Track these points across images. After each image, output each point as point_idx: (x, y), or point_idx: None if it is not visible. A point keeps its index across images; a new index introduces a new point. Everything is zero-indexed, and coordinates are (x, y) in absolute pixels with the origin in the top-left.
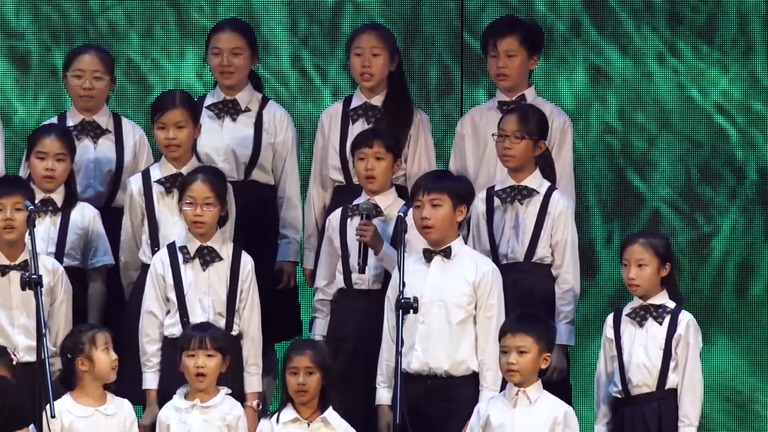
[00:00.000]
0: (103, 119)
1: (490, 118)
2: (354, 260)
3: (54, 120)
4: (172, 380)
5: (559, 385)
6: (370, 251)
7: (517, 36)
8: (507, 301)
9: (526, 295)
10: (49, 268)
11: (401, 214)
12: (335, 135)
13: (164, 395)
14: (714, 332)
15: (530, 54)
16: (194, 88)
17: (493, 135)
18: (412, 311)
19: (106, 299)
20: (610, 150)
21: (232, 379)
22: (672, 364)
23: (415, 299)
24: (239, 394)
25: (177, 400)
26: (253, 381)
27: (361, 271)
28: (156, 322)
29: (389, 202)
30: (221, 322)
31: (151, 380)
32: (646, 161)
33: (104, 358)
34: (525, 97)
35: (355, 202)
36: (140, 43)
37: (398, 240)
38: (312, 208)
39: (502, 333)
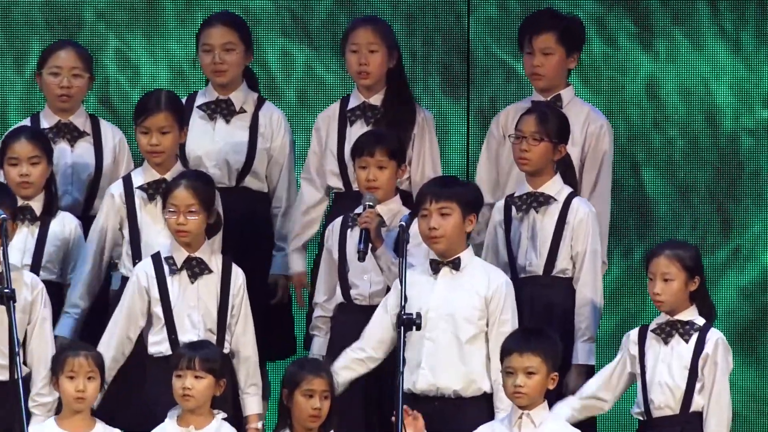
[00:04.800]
0: (80, 121)
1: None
2: (355, 276)
3: (27, 122)
4: (156, 401)
5: None
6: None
7: (555, 32)
8: (523, 317)
9: (544, 311)
10: (27, 282)
11: (403, 224)
12: (333, 139)
13: (148, 416)
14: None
15: (569, 52)
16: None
17: (509, 136)
18: (414, 328)
19: (85, 318)
20: (632, 154)
21: (225, 401)
22: (698, 385)
23: (418, 315)
24: (235, 417)
25: (169, 424)
26: (254, 402)
27: (361, 259)
28: (122, 339)
29: (393, 212)
30: (212, 340)
31: None
32: (670, 165)
33: (67, 385)
34: (561, 98)
35: (357, 210)
36: (118, 38)
37: (400, 251)
38: (302, 205)
39: (507, 352)
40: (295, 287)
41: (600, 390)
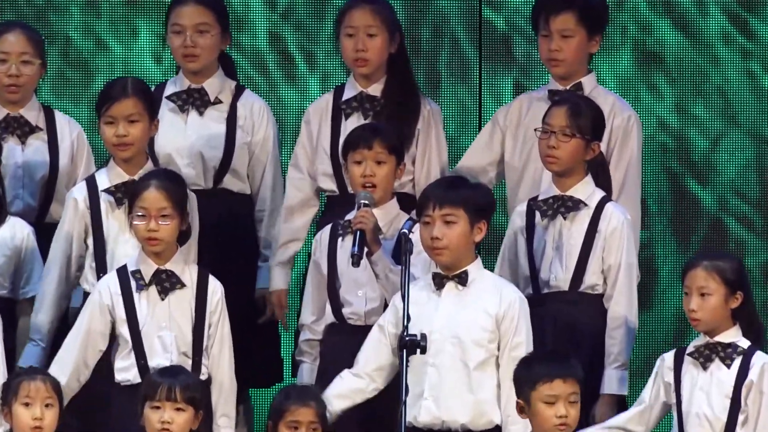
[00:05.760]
0: (33, 114)
1: (538, 110)
2: (347, 292)
3: None
4: None
5: None
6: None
7: (575, 12)
8: (545, 338)
9: (569, 331)
10: None
11: (405, 231)
12: (325, 134)
13: None
14: None
15: (590, 34)
16: (150, 73)
17: (536, 130)
18: (418, 351)
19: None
20: (664, 150)
21: None
22: (741, 417)
23: (423, 336)
24: None
25: None
26: None
27: (356, 264)
28: (78, 366)
29: (390, 217)
30: (186, 364)
31: None
32: (709, 164)
33: (23, 413)
34: (582, 86)
35: (347, 216)
36: (80, 19)
37: (402, 262)
38: (286, 210)
39: (545, 377)
40: (275, 307)
41: (630, 421)
